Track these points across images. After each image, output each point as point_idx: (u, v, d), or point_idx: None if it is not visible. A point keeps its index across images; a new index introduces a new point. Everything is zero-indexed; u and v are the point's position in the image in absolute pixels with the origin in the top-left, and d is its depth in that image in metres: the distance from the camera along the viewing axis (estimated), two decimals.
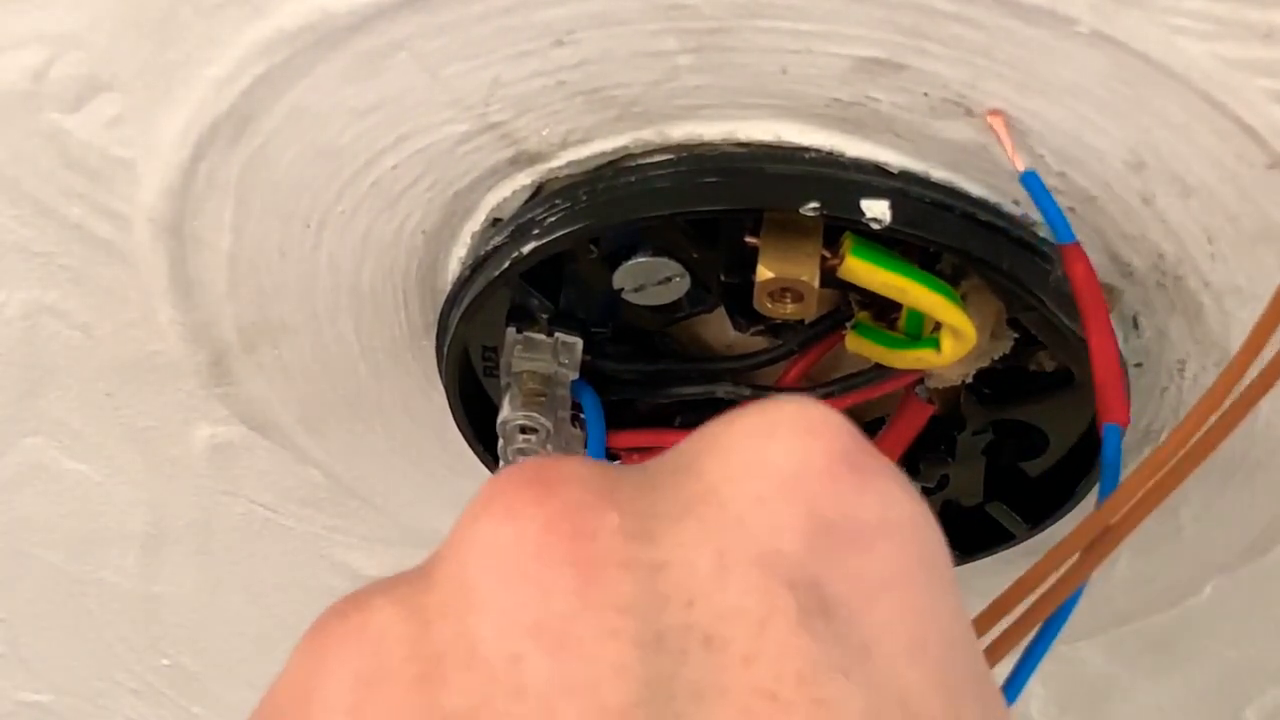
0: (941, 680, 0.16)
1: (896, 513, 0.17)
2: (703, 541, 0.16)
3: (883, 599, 0.16)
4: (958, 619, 0.17)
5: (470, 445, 0.37)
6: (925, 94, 0.29)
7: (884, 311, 0.33)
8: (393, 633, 0.16)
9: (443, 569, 0.16)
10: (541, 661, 0.15)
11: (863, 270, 0.30)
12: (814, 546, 0.16)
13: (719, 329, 0.36)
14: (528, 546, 0.16)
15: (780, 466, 0.16)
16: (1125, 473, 0.29)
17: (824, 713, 0.14)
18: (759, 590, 0.15)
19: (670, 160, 0.31)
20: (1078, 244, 0.30)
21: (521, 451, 0.35)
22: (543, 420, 0.34)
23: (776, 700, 0.14)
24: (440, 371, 0.35)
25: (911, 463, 0.37)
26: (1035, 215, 0.31)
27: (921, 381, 0.35)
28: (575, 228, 0.31)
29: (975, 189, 0.31)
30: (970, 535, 0.38)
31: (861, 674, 0.15)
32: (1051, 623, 0.28)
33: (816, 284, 0.31)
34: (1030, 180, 0.29)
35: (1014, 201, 0.31)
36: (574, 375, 0.34)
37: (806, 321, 0.34)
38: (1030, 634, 0.27)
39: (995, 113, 0.29)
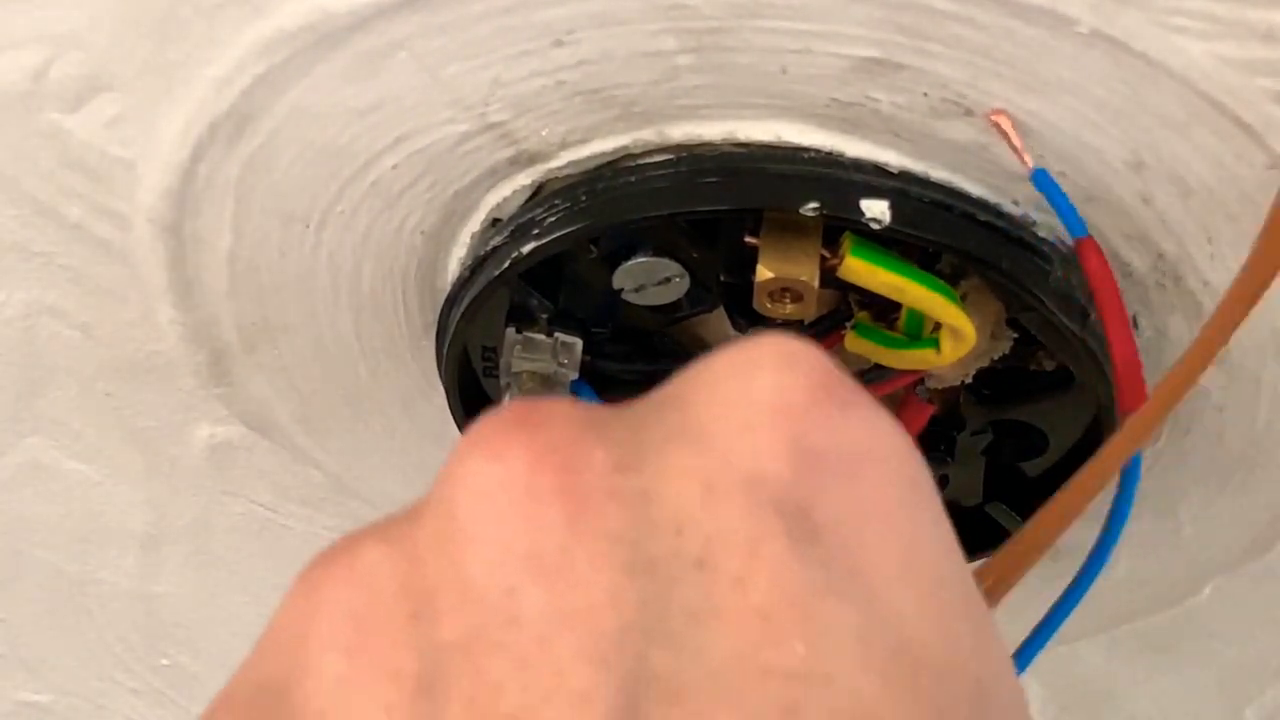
0: (933, 603, 0.16)
1: (881, 442, 0.17)
2: (689, 470, 0.16)
3: (870, 524, 0.16)
4: (946, 544, 0.17)
5: None
6: (925, 94, 0.29)
7: (884, 311, 0.33)
8: (383, 571, 0.16)
9: (431, 509, 0.16)
10: (535, 592, 0.15)
11: (862, 270, 0.30)
12: (800, 473, 0.16)
13: (719, 329, 0.36)
14: (516, 482, 0.16)
15: (764, 397, 0.16)
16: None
17: (816, 632, 0.14)
18: (747, 515, 0.15)
19: (670, 160, 0.31)
20: (1091, 238, 0.30)
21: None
22: None
23: (770, 620, 0.14)
24: (440, 371, 0.35)
25: None
26: (1035, 215, 0.31)
27: (921, 382, 0.35)
28: (575, 228, 0.31)
29: (975, 189, 0.31)
30: (970, 535, 0.38)
31: (853, 595, 0.15)
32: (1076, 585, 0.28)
33: (816, 284, 0.31)
34: (1041, 177, 0.29)
35: (1014, 201, 0.31)
36: (574, 375, 0.34)
37: (806, 322, 0.34)
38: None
39: (999, 112, 0.29)
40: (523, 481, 0.16)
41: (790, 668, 0.14)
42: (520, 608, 0.15)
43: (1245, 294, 0.27)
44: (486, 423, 0.17)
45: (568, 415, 0.16)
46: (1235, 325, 0.27)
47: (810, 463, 0.16)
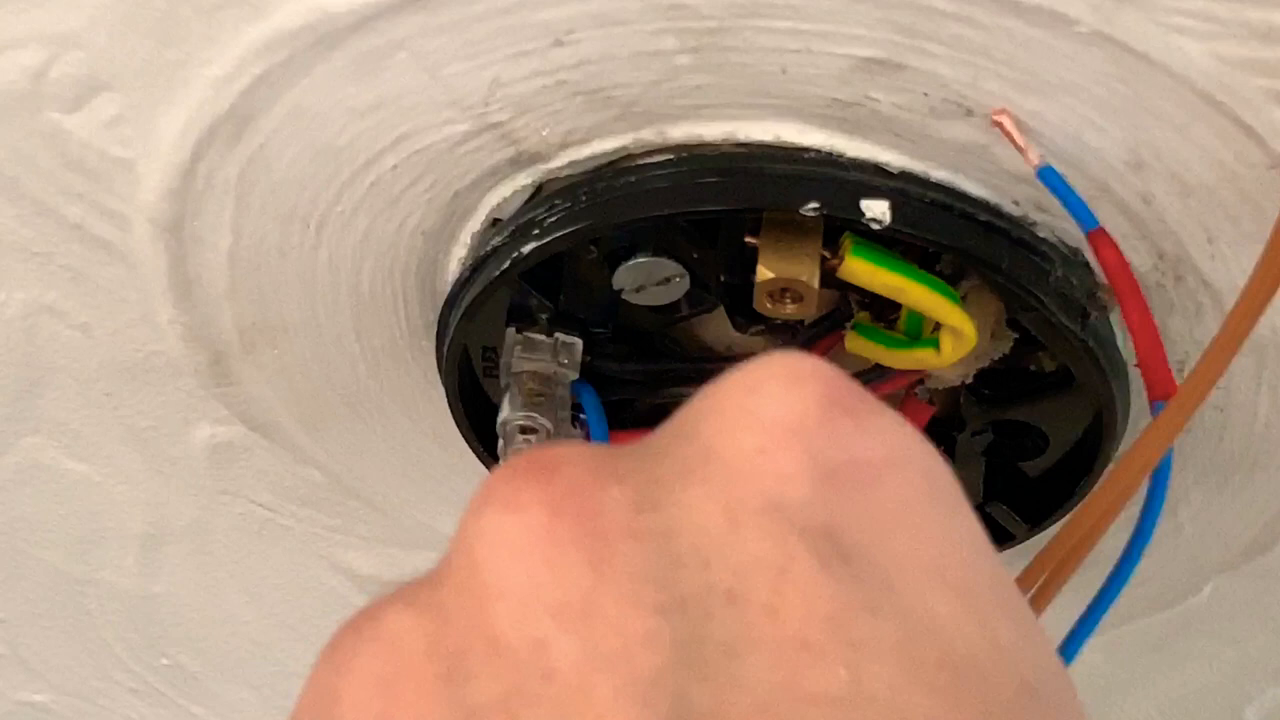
0: (971, 604, 0.15)
1: (897, 448, 0.17)
2: (709, 500, 0.16)
3: (897, 533, 0.16)
4: (976, 543, 0.16)
5: (470, 445, 0.37)
6: (925, 94, 0.29)
7: (884, 312, 0.33)
8: (409, 634, 0.16)
9: (452, 567, 0.16)
10: (567, 641, 0.15)
11: (862, 270, 0.30)
12: (820, 491, 0.16)
13: (719, 329, 0.36)
14: (535, 531, 0.15)
15: (775, 417, 0.16)
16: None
17: (856, 653, 0.14)
18: (772, 540, 0.15)
19: (670, 160, 0.31)
20: (1103, 229, 0.30)
21: (521, 452, 0.35)
22: (543, 420, 0.34)
23: (808, 646, 0.14)
24: (440, 371, 0.35)
25: None
26: (1035, 215, 0.31)
27: (921, 382, 0.35)
28: (575, 228, 0.31)
29: (975, 189, 0.31)
30: None
31: (889, 609, 0.15)
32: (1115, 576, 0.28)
33: (816, 284, 0.31)
34: (1047, 174, 0.29)
35: (1014, 202, 0.31)
36: (574, 375, 0.34)
37: (806, 322, 0.34)
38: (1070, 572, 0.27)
39: (1002, 111, 0.29)
40: (542, 530, 0.15)
41: (834, 693, 0.14)
42: (553, 660, 0.14)
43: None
44: (498, 475, 0.16)
45: (579, 458, 0.16)
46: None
47: (829, 478, 0.16)
